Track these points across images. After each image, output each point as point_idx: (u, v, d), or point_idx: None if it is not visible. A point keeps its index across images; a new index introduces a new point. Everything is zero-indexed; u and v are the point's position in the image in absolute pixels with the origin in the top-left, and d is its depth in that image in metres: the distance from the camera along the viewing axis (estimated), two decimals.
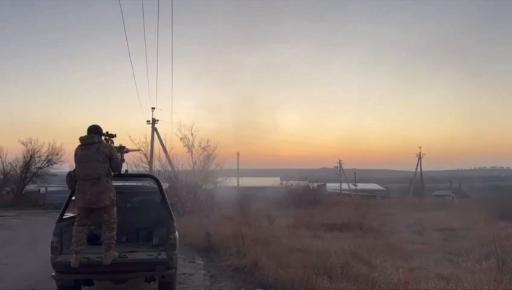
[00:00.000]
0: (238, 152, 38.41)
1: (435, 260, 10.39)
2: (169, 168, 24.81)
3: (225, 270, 8.21)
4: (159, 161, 25.44)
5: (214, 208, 20.45)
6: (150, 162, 26.71)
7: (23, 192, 33.13)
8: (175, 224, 5.84)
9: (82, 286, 6.13)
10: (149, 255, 5.51)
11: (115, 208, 5.27)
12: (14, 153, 34.76)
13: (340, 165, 52.85)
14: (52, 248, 5.42)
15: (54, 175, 34.51)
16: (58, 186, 35.59)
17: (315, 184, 37.21)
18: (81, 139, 5.20)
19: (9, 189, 33.89)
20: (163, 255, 5.49)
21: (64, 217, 5.84)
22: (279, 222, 17.54)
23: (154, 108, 28.26)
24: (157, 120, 28.53)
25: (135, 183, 7.05)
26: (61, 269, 5.24)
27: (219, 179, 26.26)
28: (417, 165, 51.28)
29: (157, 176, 7.08)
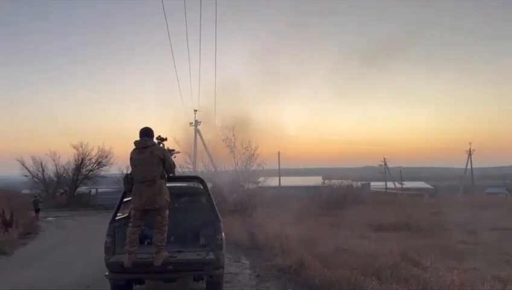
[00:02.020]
0: (279, 152, 38.30)
1: (489, 261, 9.90)
2: (212, 169, 25.21)
3: (270, 270, 8.20)
4: (202, 162, 25.95)
5: (256, 207, 20.54)
6: (194, 163, 27.19)
7: (75, 193, 34.81)
8: (221, 224, 5.90)
9: (134, 285, 6.38)
10: (197, 256, 5.59)
11: (167, 210, 5.41)
12: (67, 156, 36.60)
13: (385, 163, 51.47)
14: (105, 248, 5.62)
15: (103, 177, 36.04)
16: (107, 188, 37.17)
17: (359, 183, 36.49)
18: (136, 143, 5.36)
19: (62, 191, 35.73)
20: (210, 256, 5.57)
21: (116, 218, 6.04)
22: (322, 222, 17.39)
23: (196, 110, 28.81)
24: (200, 122, 29.06)
25: (182, 185, 7.19)
26: (115, 268, 5.43)
27: (261, 179, 26.36)
28: (467, 162, 49.06)
29: (201, 177, 7.19)
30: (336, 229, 14.79)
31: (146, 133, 5.40)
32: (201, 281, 6.43)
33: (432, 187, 58.99)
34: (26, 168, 35.04)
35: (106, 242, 5.66)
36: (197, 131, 28.93)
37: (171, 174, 5.58)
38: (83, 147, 34.83)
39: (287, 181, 41.86)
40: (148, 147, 5.28)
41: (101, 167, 35.41)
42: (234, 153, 22.48)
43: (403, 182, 52.40)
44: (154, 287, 6.81)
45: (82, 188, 36.05)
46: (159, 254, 5.22)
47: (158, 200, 5.21)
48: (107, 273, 5.57)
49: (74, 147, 34.81)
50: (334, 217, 19.63)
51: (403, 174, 53.86)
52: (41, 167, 35.27)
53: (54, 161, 35.28)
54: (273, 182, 33.34)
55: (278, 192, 33.53)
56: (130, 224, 5.37)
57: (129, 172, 5.58)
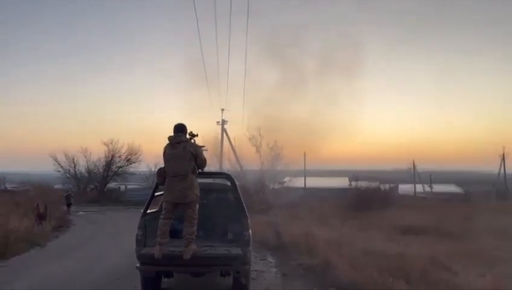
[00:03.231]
0: (304, 152, 38.11)
1: None
2: (238, 168, 25.42)
3: (296, 269, 8.21)
4: (228, 160, 26.21)
5: (282, 207, 20.56)
6: (220, 162, 27.48)
7: (105, 189, 35.72)
8: (249, 221, 5.96)
9: (162, 278, 6.51)
10: (225, 251, 5.67)
11: (197, 205, 5.52)
12: (97, 153, 37.55)
13: (414, 166, 50.32)
14: (137, 240, 5.78)
15: (132, 174, 36.82)
16: (135, 184, 37.99)
17: (386, 185, 35.83)
18: (170, 138, 5.52)
19: (93, 186, 36.71)
20: (238, 251, 5.63)
21: (147, 211, 6.18)
22: (349, 224, 17.19)
23: (223, 109, 29.10)
24: (227, 121, 29.33)
25: (211, 181, 7.30)
26: (145, 260, 5.57)
27: (286, 179, 26.36)
28: (500, 166, 47.37)
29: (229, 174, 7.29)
30: (363, 231, 14.57)
31: (180, 128, 5.55)
32: (228, 277, 6.52)
33: (462, 191, 57.30)
34: (59, 163, 36.23)
35: (137, 235, 5.82)
36: (223, 130, 29.20)
37: (201, 170, 5.69)
38: (113, 144, 35.74)
39: (313, 182, 41.53)
40: (181, 143, 5.43)
41: (130, 163, 36.21)
42: (260, 153, 22.60)
43: (432, 186, 51.09)
44: (182, 281, 6.93)
45: (111, 184, 36.96)
46: (188, 247, 5.33)
47: (189, 194, 5.33)
48: (137, 265, 5.72)
49: (105, 144, 35.76)
50: (361, 219, 19.36)
51: (433, 177, 52.53)
52: (73, 162, 36.36)
53: (85, 157, 36.32)
54: (299, 182, 33.19)
55: (303, 192, 33.38)
56: (161, 217, 5.51)
57: (162, 166, 5.72)
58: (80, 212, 23.65)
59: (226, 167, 25.45)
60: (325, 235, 11.41)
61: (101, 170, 36.00)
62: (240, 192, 6.35)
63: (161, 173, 5.62)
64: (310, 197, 31.70)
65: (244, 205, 6.15)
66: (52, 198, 21.58)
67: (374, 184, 32.61)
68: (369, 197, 26.61)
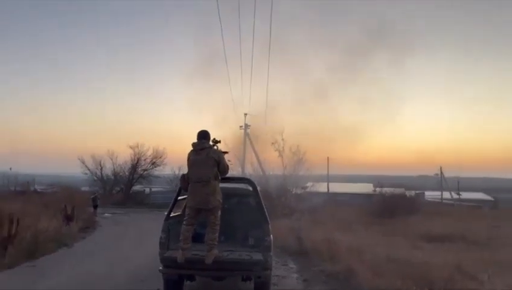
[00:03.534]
0: (328, 157, 37.84)
1: None
2: (261, 172, 25.46)
3: (318, 276, 8.16)
4: (250, 164, 26.29)
5: (304, 212, 20.45)
6: (242, 166, 27.58)
7: (131, 192, 36.41)
8: (270, 227, 5.98)
9: (185, 281, 6.60)
10: (246, 256, 5.71)
11: (219, 211, 5.59)
12: (123, 156, 38.41)
13: (441, 173, 49.16)
14: (160, 243, 5.89)
15: (157, 177, 37.43)
16: (159, 187, 38.58)
17: (412, 192, 35.15)
18: (194, 144, 5.63)
19: (118, 189, 37.48)
20: (259, 256, 5.66)
21: (171, 215, 6.29)
22: (373, 230, 16.96)
23: (246, 114, 29.22)
24: (249, 125, 29.43)
25: (232, 186, 7.36)
26: (168, 263, 5.67)
27: (308, 184, 26.21)
28: None
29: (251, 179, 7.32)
30: (388, 238, 14.36)
31: (203, 135, 5.66)
32: (249, 282, 6.55)
33: (491, 199, 55.51)
34: (86, 166, 37.19)
35: (161, 238, 5.93)
36: (246, 134, 29.31)
37: (224, 176, 5.76)
38: (139, 148, 36.48)
39: (336, 187, 41.17)
40: (204, 149, 5.53)
41: (155, 167, 36.87)
42: (283, 157, 22.55)
43: (459, 193, 49.78)
44: (204, 285, 6.99)
45: (137, 187, 37.67)
46: (210, 252, 5.40)
47: (212, 200, 5.41)
48: (160, 267, 5.83)
49: (131, 148, 36.54)
50: (385, 226, 19.09)
51: (460, 184, 51.18)
52: (100, 165, 37.28)
53: (111, 160, 37.21)
54: (321, 187, 32.95)
55: (326, 198, 33.10)
56: (184, 222, 5.60)
57: (186, 172, 5.82)
58: (106, 214, 24.17)
59: (249, 172, 25.55)
60: (348, 242, 11.29)
61: (126, 173, 36.74)
62: (261, 197, 6.38)
63: (185, 178, 5.71)
64: (333, 202, 31.45)
65: (265, 210, 6.18)
66: (79, 200, 22.09)
67: (399, 190, 32.07)
68: (394, 203, 26.16)
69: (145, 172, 36.87)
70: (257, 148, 26.75)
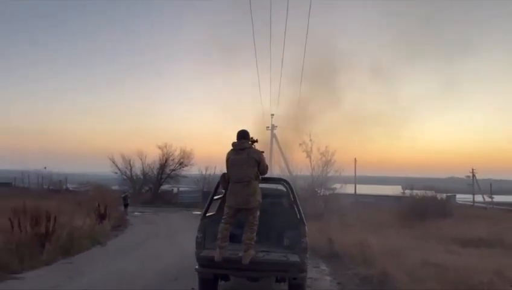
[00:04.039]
0: (355, 159, 37.36)
1: None
2: (288, 173, 25.36)
3: (352, 279, 8.04)
4: (278, 165, 26.22)
5: (332, 214, 20.23)
6: (270, 167, 27.51)
7: (159, 191, 36.98)
8: (306, 228, 5.93)
9: (219, 281, 6.61)
10: (283, 257, 5.67)
11: (259, 211, 5.57)
12: (152, 156, 38.96)
13: (473, 175, 47.68)
14: (197, 243, 5.93)
15: (184, 177, 37.85)
16: (186, 187, 39.06)
17: (443, 195, 34.24)
18: (234, 144, 5.64)
19: (147, 188, 38.11)
20: (295, 258, 5.62)
21: (206, 215, 6.31)
22: (404, 233, 16.58)
23: (273, 114, 29.19)
24: (276, 126, 29.37)
25: (268, 186, 7.34)
26: (205, 263, 5.70)
27: (336, 185, 25.92)
28: None
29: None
30: (419, 242, 13.99)
31: (243, 135, 5.66)
32: (283, 283, 6.51)
33: None
34: (116, 165, 37.91)
35: (197, 237, 5.96)
36: (273, 135, 29.27)
37: (263, 176, 5.74)
38: (167, 148, 36.98)
39: (363, 189, 40.62)
40: (245, 149, 5.52)
41: (183, 167, 37.25)
42: (311, 158, 22.34)
43: (492, 196, 48.13)
44: (238, 285, 6.99)
45: (164, 187, 38.20)
46: (247, 252, 5.39)
47: (252, 200, 5.41)
48: (197, 266, 5.86)
49: (159, 148, 37.09)
50: (416, 229, 18.62)
51: (493, 187, 49.48)
52: (130, 165, 37.93)
53: (140, 159, 37.79)
54: (348, 189, 32.54)
55: (353, 200, 32.64)
56: (222, 221, 5.60)
57: (225, 172, 5.80)
58: (136, 213, 24.62)
59: (276, 172, 25.50)
60: (380, 245, 11.08)
61: (155, 173, 37.29)
62: (297, 198, 6.32)
63: (225, 178, 5.70)
64: (361, 204, 30.97)
65: (301, 211, 6.12)
66: (110, 199, 22.56)
67: (428, 193, 31.27)
68: (425, 206, 25.49)
69: (173, 172, 37.33)
70: (284, 149, 26.67)
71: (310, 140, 22.57)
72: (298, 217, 6.07)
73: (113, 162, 37.84)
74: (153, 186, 37.14)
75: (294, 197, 6.29)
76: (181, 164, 37.15)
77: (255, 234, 5.51)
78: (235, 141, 5.65)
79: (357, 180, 40.08)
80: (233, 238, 6.57)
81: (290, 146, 26.24)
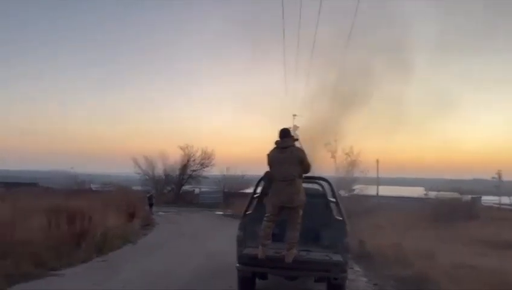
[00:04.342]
0: (377, 159, 36.87)
1: None
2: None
3: (387, 280, 7.95)
4: None
5: (358, 215, 20.02)
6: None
7: (181, 191, 37.34)
8: (348, 228, 5.91)
9: (257, 279, 6.63)
10: (326, 256, 5.66)
11: (302, 210, 5.57)
12: (174, 157, 39.41)
13: (500, 176, 46.51)
14: (238, 241, 5.98)
15: (205, 177, 38.15)
16: (206, 187, 39.30)
17: (468, 196, 33.57)
18: (277, 143, 5.65)
19: (169, 188, 38.52)
20: (339, 258, 5.60)
21: (246, 213, 6.35)
22: (430, 235, 16.33)
23: (295, 115, 29.04)
24: (298, 126, 29.20)
25: (309, 185, 7.36)
26: (246, 261, 5.73)
27: (356, 187, 25.66)
28: None
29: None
30: (448, 244, 13.75)
31: (285, 133, 5.67)
32: (322, 283, 6.48)
33: None
34: (139, 166, 38.45)
35: (238, 236, 6.01)
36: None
37: (306, 174, 5.75)
38: (189, 149, 37.33)
39: (384, 190, 40.04)
40: (288, 148, 5.53)
41: (204, 167, 37.56)
42: (335, 159, 22.11)
43: None
44: (275, 284, 7.00)
45: (185, 187, 38.54)
46: (291, 251, 5.40)
47: (296, 199, 5.41)
48: (237, 264, 5.90)
49: (181, 149, 37.49)
50: (443, 231, 18.30)
51: None
52: (152, 165, 38.42)
53: (162, 160, 38.24)
54: (370, 190, 32.16)
55: (375, 201, 32.24)
56: (265, 219, 5.61)
57: (267, 170, 5.83)
58: (160, 213, 24.91)
59: None
60: (409, 246, 10.95)
61: (177, 173, 37.67)
62: (338, 197, 6.27)
63: (268, 177, 5.71)
64: (383, 206, 30.57)
65: (343, 210, 6.10)
66: (135, 199, 22.90)
67: (453, 194, 30.69)
68: (450, 208, 25.03)
69: (194, 173, 37.67)
70: (307, 149, 26.50)
71: (335, 140, 22.26)
72: (340, 216, 6.04)
73: (136, 163, 38.39)
74: (175, 187, 37.52)
75: (335, 196, 6.26)
76: (202, 165, 37.52)
77: (298, 233, 5.52)
78: (278, 139, 5.66)
79: (380, 181, 39.57)
80: (274, 237, 6.60)
81: (314, 146, 25.95)
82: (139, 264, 9.11)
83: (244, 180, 37.25)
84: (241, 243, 5.95)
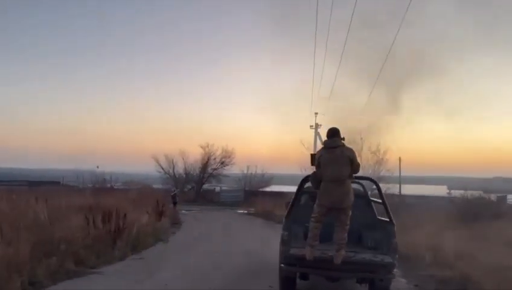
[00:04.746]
0: (399, 158, 36.34)
1: None
2: None
3: (428, 281, 7.86)
4: None
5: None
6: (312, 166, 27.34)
7: (201, 190, 37.52)
8: (395, 228, 5.85)
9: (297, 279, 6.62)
10: (375, 257, 5.61)
11: (350, 211, 5.54)
12: (194, 155, 39.57)
13: None
14: (283, 241, 5.96)
15: (225, 176, 38.24)
16: (226, 186, 39.39)
17: (492, 195, 32.88)
18: (326, 143, 5.60)
19: (190, 187, 38.74)
20: (389, 259, 5.55)
21: (290, 213, 6.34)
22: (461, 235, 16.04)
23: (317, 113, 28.95)
24: (320, 125, 29.07)
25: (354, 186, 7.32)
26: (292, 261, 5.72)
27: (384, 185, 25.33)
28: None
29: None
30: (483, 244, 13.47)
31: (335, 133, 5.61)
32: (364, 284, 6.44)
33: None
34: (160, 165, 38.77)
35: (283, 235, 5.99)
36: (317, 134, 29.00)
37: (355, 174, 5.70)
38: (209, 147, 37.49)
39: (407, 189, 39.48)
40: (338, 147, 5.47)
41: (224, 166, 37.66)
42: (361, 158, 21.79)
43: None
44: (316, 284, 6.97)
45: (205, 185, 38.67)
46: (339, 252, 5.36)
47: (346, 200, 5.38)
48: (282, 264, 5.89)
49: (201, 147, 37.66)
50: (472, 231, 17.95)
51: None
52: (172, 164, 38.69)
53: (183, 159, 38.47)
54: (392, 189, 31.72)
55: (398, 200, 31.79)
56: (312, 219, 5.59)
57: (315, 171, 5.80)
58: (183, 211, 25.08)
59: None
60: (444, 246, 10.77)
61: (197, 172, 37.87)
62: (384, 197, 6.20)
63: (317, 177, 5.67)
64: (408, 205, 30.15)
65: (389, 210, 6.04)
66: (160, 197, 23.05)
67: (477, 193, 30.07)
68: (477, 207, 24.48)
69: (215, 171, 37.80)
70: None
71: (361, 138, 21.87)
72: (387, 217, 5.98)
73: (157, 162, 38.71)
74: (196, 185, 37.72)
75: (382, 197, 6.18)
76: (223, 163, 37.60)
77: (346, 233, 5.48)
78: (326, 139, 5.62)
79: (403, 180, 38.98)
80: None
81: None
82: (176, 263, 9.16)
83: (264, 179, 37.29)
84: (286, 243, 5.93)
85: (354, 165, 5.51)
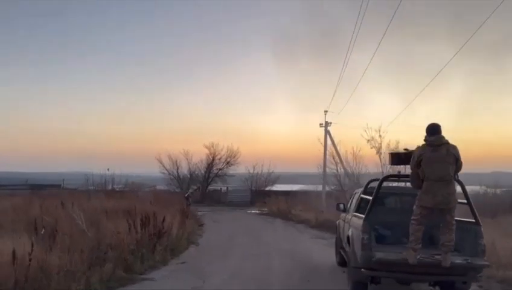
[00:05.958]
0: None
1: None
2: (342, 170, 24.96)
3: (489, 282, 7.63)
4: (335, 163, 25.81)
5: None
6: (324, 165, 27.22)
7: (207, 190, 37.10)
8: (482, 229, 5.67)
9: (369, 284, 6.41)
10: (466, 260, 5.42)
11: (455, 211, 5.35)
12: (198, 155, 39.04)
13: None
14: (363, 244, 5.75)
15: (231, 176, 37.88)
16: (231, 186, 39.01)
17: (497, 190, 32.90)
18: (429, 140, 5.35)
19: (195, 187, 38.31)
20: (479, 261, 5.39)
21: (369, 215, 6.12)
22: (491, 231, 15.99)
23: (327, 111, 28.70)
24: (330, 123, 28.82)
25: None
26: (377, 266, 5.51)
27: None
28: None
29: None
30: None
31: (436, 130, 5.36)
32: (437, 287, 6.26)
33: None
34: (164, 166, 38.30)
35: (363, 239, 5.77)
36: (327, 132, 28.80)
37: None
38: (214, 147, 37.09)
39: None
40: (443, 145, 5.25)
41: (230, 166, 37.30)
42: (380, 155, 21.46)
43: None
44: (388, 288, 6.78)
45: (211, 186, 38.26)
46: (447, 255, 5.19)
47: (452, 200, 5.20)
48: (362, 269, 5.68)
49: (206, 147, 37.23)
50: (502, 226, 17.93)
51: None
52: (176, 165, 38.23)
53: (187, 159, 38.00)
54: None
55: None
56: (413, 222, 5.40)
57: (416, 170, 5.55)
58: (197, 212, 24.77)
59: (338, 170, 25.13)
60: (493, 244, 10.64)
61: (202, 172, 37.46)
62: (470, 198, 5.98)
63: (419, 176, 5.42)
64: None
65: (475, 211, 5.84)
66: (173, 199, 22.73)
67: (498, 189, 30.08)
68: (498, 201, 24.37)
69: (220, 171, 37.43)
70: (339, 146, 26.16)
71: (380, 136, 21.46)
72: (474, 218, 5.79)
73: (161, 163, 38.26)
74: (201, 186, 37.31)
75: (466, 196, 5.96)
76: (228, 163, 37.23)
77: (453, 235, 5.28)
78: (426, 136, 5.39)
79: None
80: (382, 239, 6.40)
81: (355, 142, 25.24)
82: (221, 266, 8.91)
83: (271, 178, 37.01)
84: (366, 246, 5.72)
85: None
